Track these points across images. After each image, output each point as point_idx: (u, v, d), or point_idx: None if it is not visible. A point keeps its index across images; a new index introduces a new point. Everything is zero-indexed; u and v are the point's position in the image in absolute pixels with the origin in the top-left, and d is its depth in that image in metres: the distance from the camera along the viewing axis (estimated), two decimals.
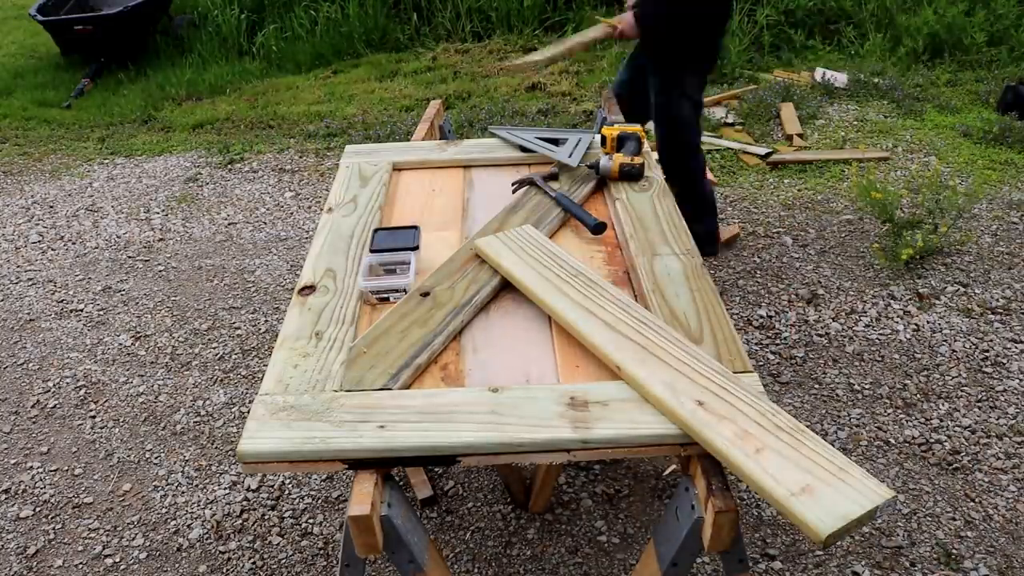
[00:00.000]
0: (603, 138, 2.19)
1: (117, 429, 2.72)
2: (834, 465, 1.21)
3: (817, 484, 1.17)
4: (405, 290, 1.69)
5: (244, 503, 2.39)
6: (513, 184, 2.13)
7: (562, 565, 2.14)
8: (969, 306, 3.06)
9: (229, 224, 4.04)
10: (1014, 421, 2.52)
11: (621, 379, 1.41)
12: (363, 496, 1.24)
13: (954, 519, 2.21)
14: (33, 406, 2.85)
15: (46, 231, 4.08)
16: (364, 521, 1.23)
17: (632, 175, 2.09)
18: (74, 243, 3.94)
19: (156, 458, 2.59)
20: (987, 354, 2.80)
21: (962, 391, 2.65)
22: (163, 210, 4.22)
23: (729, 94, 5.06)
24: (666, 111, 3.04)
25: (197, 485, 2.48)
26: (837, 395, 2.67)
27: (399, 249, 1.80)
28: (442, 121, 2.89)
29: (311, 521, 2.32)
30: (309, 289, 1.72)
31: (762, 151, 4.29)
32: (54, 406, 2.84)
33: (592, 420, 1.32)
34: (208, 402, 2.82)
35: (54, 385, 2.95)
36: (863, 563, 2.09)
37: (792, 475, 1.19)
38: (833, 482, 1.18)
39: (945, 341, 2.88)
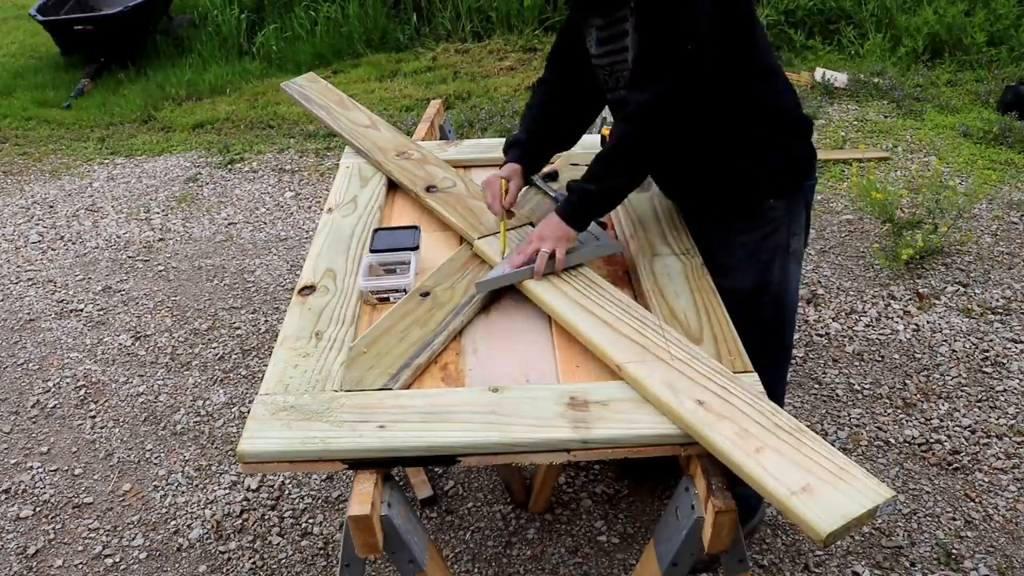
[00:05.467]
0: (603, 138, 2.19)
1: (117, 429, 2.72)
2: (834, 464, 1.21)
3: (817, 483, 1.17)
4: (405, 290, 1.69)
5: (244, 503, 2.39)
6: None
7: (562, 565, 2.14)
8: (969, 306, 3.06)
9: (229, 224, 4.04)
10: (1014, 421, 2.52)
11: (621, 379, 1.41)
12: (363, 496, 1.24)
13: (954, 519, 2.21)
14: (33, 406, 2.85)
15: (46, 231, 4.08)
16: (364, 521, 1.23)
17: None
18: (74, 243, 3.94)
19: (156, 458, 2.59)
20: (987, 354, 2.80)
21: (962, 391, 2.65)
22: (163, 210, 4.22)
23: None
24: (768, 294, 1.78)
25: (197, 485, 2.48)
26: (837, 395, 2.67)
27: (399, 249, 1.80)
28: (442, 121, 2.89)
29: (311, 521, 2.32)
30: (309, 289, 1.72)
31: None
32: (54, 406, 2.84)
33: (592, 420, 1.32)
34: (208, 402, 2.82)
35: (54, 385, 2.95)
36: (863, 563, 2.09)
37: (792, 474, 1.19)
38: (833, 481, 1.18)
39: (945, 341, 2.88)
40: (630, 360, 1.41)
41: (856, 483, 1.17)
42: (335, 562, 2.18)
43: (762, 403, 1.32)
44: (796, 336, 2.94)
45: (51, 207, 4.33)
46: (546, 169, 2.06)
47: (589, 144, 2.29)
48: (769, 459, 1.21)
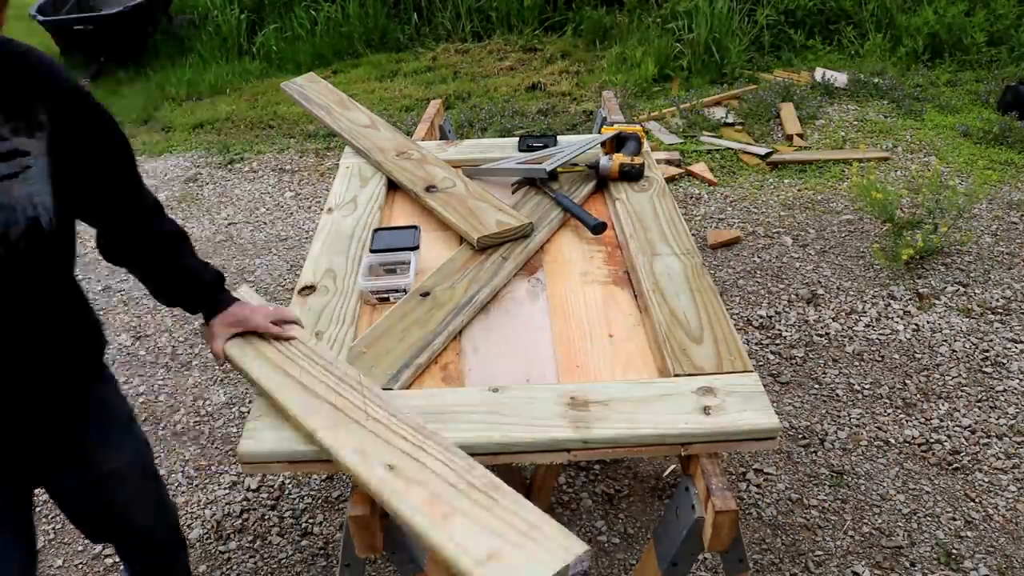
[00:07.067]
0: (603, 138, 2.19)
1: None
2: (526, 523, 1.13)
3: (506, 548, 1.10)
4: (405, 290, 1.69)
5: (244, 503, 2.39)
6: (513, 184, 2.13)
7: None
8: (969, 306, 3.06)
9: (229, 224, 4.04)
10: (1014, 421, 2.52)
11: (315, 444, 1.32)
12: (363, 496, 1.24)
13: (954, 519, 2.21)
14: None
15: None
16: (364, 521, 1.23)
17: (632, 175, 2.09)
18: None
19: (156, 458, 2.59)
20: (987, 354, 2.80)
21: (962, 391, 2.65)
22: None
23: (729, 94, 5.06)
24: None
25: (197, 485, 2.48)
26: (837, 395, 2.67)
27: (399, 249, 1.80)
28: (442, 121, 2.89)
29: (311, 521, 2.32)
30: (309, 289, 1.72)
31: (762, 151, 4.30)
32: None
33: (592, 420, 1.32)
34: (208, 402, 2.81)
35: None
36: (863, 563, 2.09)
37: (480, 541, 1.11)
38: (523, 543, 1.10)
39: (945, 341, 2.88)
40: (323, 426, 1.31)
41: (545, 542, 1.10)
42: (335, 562, 2.18)
43: (456, 460, 1.24)
44: (796, 336, 2.94)
45: None
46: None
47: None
48: (457, 526, 1.13)
